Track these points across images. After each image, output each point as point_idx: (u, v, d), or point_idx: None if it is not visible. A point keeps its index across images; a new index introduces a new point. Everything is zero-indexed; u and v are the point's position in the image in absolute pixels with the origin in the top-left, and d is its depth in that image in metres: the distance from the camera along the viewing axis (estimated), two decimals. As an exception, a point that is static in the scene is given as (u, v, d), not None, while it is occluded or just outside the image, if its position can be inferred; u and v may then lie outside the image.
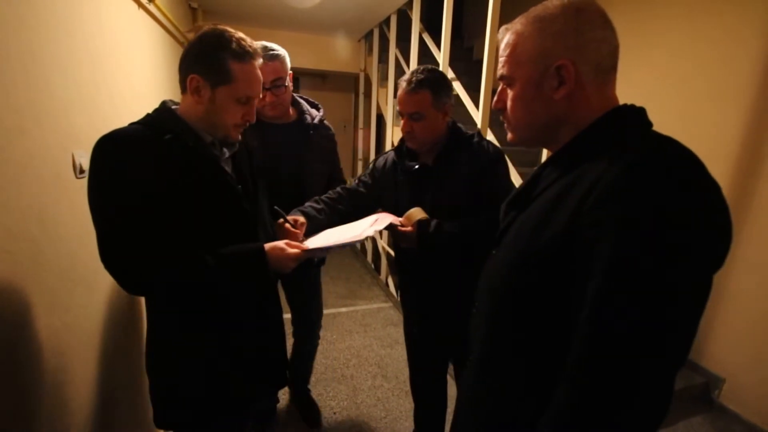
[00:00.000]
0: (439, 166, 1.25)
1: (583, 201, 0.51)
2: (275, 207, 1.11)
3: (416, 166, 1.26)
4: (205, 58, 0.84)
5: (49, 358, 0.88)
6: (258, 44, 1.32)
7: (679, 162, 0.49)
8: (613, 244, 0.46)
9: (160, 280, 0.84)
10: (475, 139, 1.28)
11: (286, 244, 0.93)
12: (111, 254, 0.81)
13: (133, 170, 0.80)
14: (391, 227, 1.20)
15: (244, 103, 0.89)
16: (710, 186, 0.48)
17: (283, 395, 1.99)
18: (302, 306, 1.77)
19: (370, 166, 1.46)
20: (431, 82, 1.17)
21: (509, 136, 0.69)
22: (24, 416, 0.79)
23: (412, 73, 1.20)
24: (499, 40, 0.66)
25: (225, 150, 0.96)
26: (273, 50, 1.31)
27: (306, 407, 1.91)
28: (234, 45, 0.84)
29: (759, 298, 1.92)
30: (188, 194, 0.84)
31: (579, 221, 0.51)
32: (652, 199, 0.46)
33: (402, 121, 1.24)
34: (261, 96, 1.33)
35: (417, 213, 1.19)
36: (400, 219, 1.20)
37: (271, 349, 1.05)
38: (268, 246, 0.91)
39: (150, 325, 0.95)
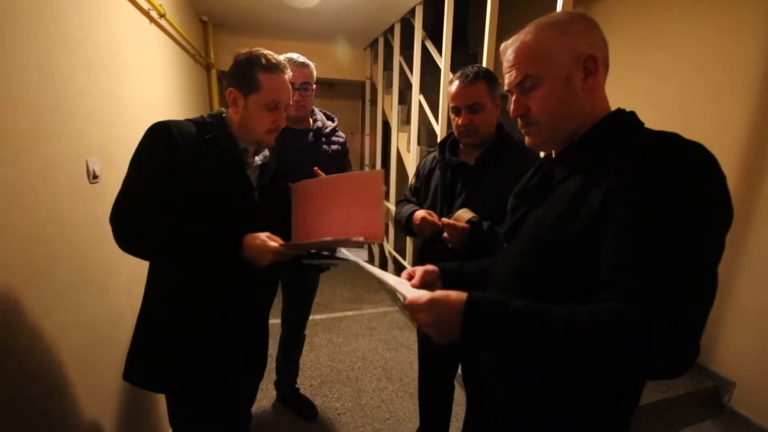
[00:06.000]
0: (479, 167, 1.25)
1: (611, 190, 0.57)
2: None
3: (455, 162, 1.29)
4: (239, 73, 0.97)
5: (61, 354, 0.93)
6: (291, 55, 1.47)
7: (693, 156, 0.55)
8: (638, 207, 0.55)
9: (147, 243, 0.92)
10: (528, 147, 1.30)
11: (267, 236, 0.97)
12: (117, 212, 0.90)
13: (169, 156, 0.90)
14: (440, 226, 1.20)
15: (272, 109, 0.99)
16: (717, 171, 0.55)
17: (265, 401, 2.02)
18: (295, 301, 1.85)
19: (415, 172, 1.53)
20: (485, 74, 1.22)
21: (534, 139, 0.72)
22: (36, 409, 0.84)
23: (464, 69, 1.24)
24: (506, 53, 0.70)
25: (256, 158, 1.06)
26: (305, 60, 1.53)
27: (299, 404, 1.97)
28: (262, 60, 0.97)
29: (768, 300, 1.89)
30: (208, 190, 0.94)
31: (608, 207, 0.57)
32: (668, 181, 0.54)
33: (456, 118, 1.25)
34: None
35: (466, 213, 1.19)
36: (446, 220, 1.18)
37: (252, 337, 1.12)
38: (248, 236, 0.95)
39: (146, 293, 1.03)
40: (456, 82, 1.23)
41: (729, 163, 2.00)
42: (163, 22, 1.86)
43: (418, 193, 1.46)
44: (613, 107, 0.69)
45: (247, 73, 0.96)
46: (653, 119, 0.65)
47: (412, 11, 2.82)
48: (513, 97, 0.70)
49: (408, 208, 1.36)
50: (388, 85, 3.49)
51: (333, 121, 1.69)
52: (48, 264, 0.89)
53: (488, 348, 0.67)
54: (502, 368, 0.75)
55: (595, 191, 0.59)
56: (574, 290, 0.61)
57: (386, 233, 3.75)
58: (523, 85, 0.67)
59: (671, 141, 0.57)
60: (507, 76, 0.70)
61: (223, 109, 1.05)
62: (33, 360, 0.83)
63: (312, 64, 1.54)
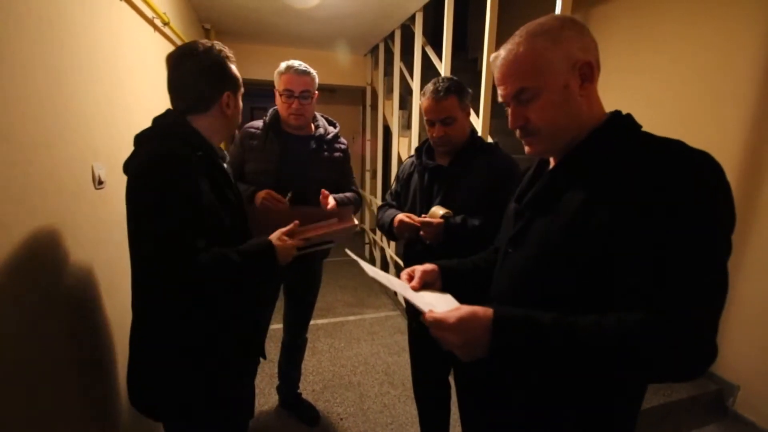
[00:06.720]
0: (453, 168, 1.32)
1: (620, 196, 0.58)
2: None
3: (432, 165, 1.34)
4: (226, 74, 0.96)
5: (67, 356, 0.94)
6: (292, 62, 1.49)
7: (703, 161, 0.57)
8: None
9: (204, 278, 0.84)
10: (498, 148, 1.36)
11: (283, 233, 1.00)
12: (170, 259, 0.80)
13: (182, 184, 0.84)
14: (419, 226, 1.26)
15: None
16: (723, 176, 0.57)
17: (267, 405, 2.02)
18: (297, 304, 1.84)
19: (397, 177, 1.57)
20: (455, 87, 1.27)
21: (535, 148, 0.70)
22: (39, 410, 0.85)
23: (435, 83, 1.29)
24: (497, 64, 0.68)
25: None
26: (306, 68, 1.54)
27: (301, 408, 1.97)
28: (231, 54, 0.97)
29: (771, 302, 1.89)
30: (212, 202, 0.91)
31: (619, 214, 0.57)
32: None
33: (431, 129, 1.32)
34: (289, 103, 1.50)
35: (439, 210, 1.26)
36: (420, 218, 1.26)
37: (256, 337, 1.11)
38: (272, 238, 0.98)
39: (144, 317, 0.94)
40: (428, 96, 1.28)
41: (729, 165, 1.98)
42: (166, 29, 1.89)
43: (398, 196, 1.52)
44: (613, 111, 0.69)
45: (232, 74, 0.96)
46: (653, 122, 0.65)
47: (412, 18, 2.86)
48: (509, 109, 0.69)
49: (390, 213, 1.41)
50: (389, 90, 3.52)
51: (335, 127, 1.70)
52: (54, 265, 0.90)
53: (516, 362, 0.65)
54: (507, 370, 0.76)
55: (603, 198, 0.60)
56: (579, 295, 0.62)
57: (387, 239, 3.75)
58: (520, 97, 0.66)
59: (677, 147, 0.58)
60: (501, 88, 0.68)
61: (182, 115, 0.94)
62: (38, 361, 0.84)
63: (314, 72, 1.54)
